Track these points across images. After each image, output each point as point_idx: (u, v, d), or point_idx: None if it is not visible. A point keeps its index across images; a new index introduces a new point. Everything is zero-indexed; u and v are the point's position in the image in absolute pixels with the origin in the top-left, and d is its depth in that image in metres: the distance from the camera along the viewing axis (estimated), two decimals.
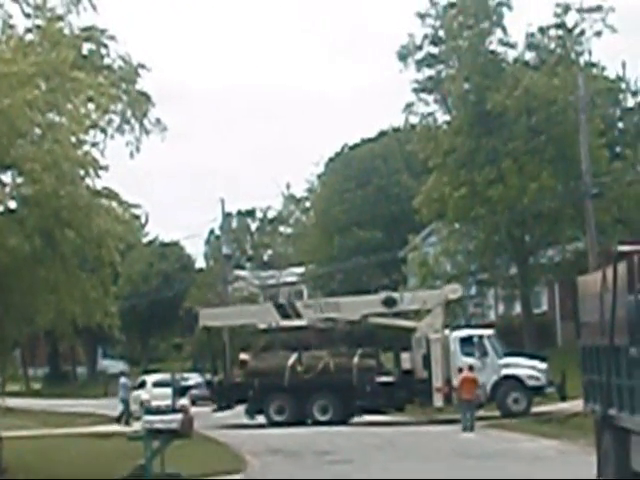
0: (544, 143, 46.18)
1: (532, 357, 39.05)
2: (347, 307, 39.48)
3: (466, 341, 37.65)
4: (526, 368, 36.95)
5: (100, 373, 76.02)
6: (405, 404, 38.22)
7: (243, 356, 42.36)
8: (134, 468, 21.96)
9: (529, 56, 49.22)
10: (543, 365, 37.71)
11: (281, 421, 38.01)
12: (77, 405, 56.54)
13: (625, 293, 15.76)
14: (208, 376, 43.11)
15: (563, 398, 36.71)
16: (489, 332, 39.25)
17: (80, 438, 35.45)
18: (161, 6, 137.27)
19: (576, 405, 34.29)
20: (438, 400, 37.08)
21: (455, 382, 35.43)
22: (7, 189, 22.88)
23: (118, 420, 42.90)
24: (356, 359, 38.35)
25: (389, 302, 38.34)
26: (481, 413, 36.69)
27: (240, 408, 39.48)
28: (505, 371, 36.98)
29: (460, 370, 34.84)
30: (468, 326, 39.30)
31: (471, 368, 35.02)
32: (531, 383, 36.62)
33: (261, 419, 38.89)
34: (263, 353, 43.80)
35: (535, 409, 36.69)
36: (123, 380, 44.61)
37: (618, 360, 16.37)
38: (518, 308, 51.86)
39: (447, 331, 38.30)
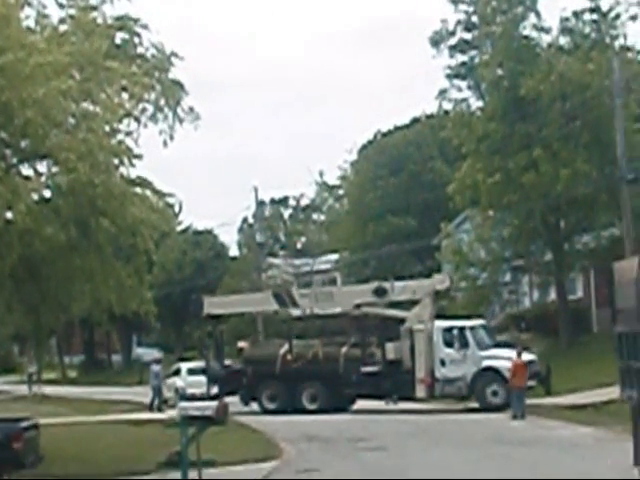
0: (579, 128, 45.83)
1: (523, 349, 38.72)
2: (340, 296, 40.00)
3: (448, 332, 37.35)
4: (507, 360, 36.06)
5: (135, 361, 76.41)
6: (391, 394, 37.96)
7: (241, 344, 43.10)
8: (170, 454, 22.07)
9: (563, 41, 48.82)
10: (530, 357, 37.18)
11: (273, 409, 38.57)
12: (112, 393, 56.94)
13: None
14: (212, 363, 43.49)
15: (548, 392, 36.53)
16: (474, 323, 38.57)
17: (116, 425, 35.67)
18: None
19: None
20: (421, 391, 37.15)
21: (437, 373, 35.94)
22: (42, 178, 23.05)
23: (150, 407, 43.23)
24: (344, 349, 38.73)
25: (380, 292, 38.48)
26: (462, 405, 36.67)
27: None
28: (485, 363, 36.60)
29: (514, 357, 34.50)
30: (455, 317, 38.71)
31: (519, 354, 34.76)
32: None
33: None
34: (261, 341, 44.51)
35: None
36: (155, 368, 44.90)
37: None
38: (553, 295, 51.60)
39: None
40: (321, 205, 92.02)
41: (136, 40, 24.33)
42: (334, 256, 71.54)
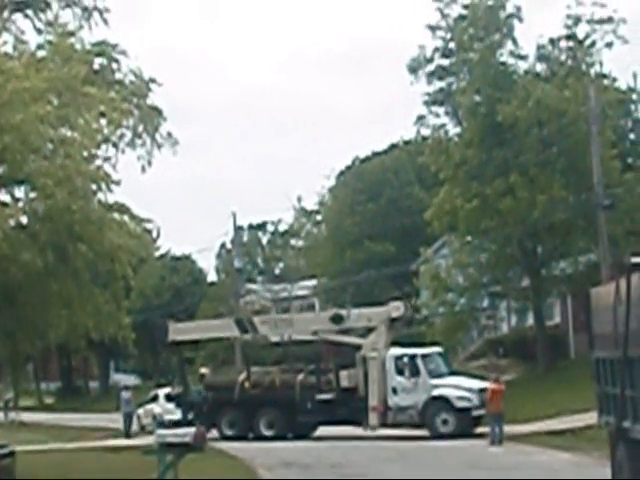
0: (555, 155, 46.10)
1: (476, 377, 38.87)
2: (299, 323, 40.45)
3: (400, 360, 37.41)
4: (457, 389, 36.29)
5: (112, 387, 75.92)
6: (346, 422, 38.05)
7: (203, 370, 43.38)
8: None
9: (540, 68, 49.15)
10: (485, 385, 36.95)
11: (231, 435, 38.57)
12: (89, 419, 56.57)
13: (638, 304, 15.73)
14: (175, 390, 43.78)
15: None
16: (428, 351, 38.52)
17: (93, 452, 35.44)
18: (170, 21, 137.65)
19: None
20: (373, 419, 37.12)
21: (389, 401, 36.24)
22: (20, 204, 22.98)
23: (127, 435, 43.26)
24: (300, 376, 38.97)
25: (337, 319, 38.72)
26: (414, 433, 36.65)
27: None
28: (435, 392, 36.61)
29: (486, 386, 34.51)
30: (411, 344, 38.74)
31: (497, 380, 34.82)
32: (459, 404, 36.01)
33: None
34: (223, 367, 44.78)
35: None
36: (125, 395, 45.17)
37: (632, 372, 16.32)
38: (531, 320, 51.71)
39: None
40: (299, 231, 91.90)
41: (114, 66, 24.40)
42: (312, 282, 71.51)
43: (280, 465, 29.34)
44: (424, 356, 37.63)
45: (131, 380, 73.57)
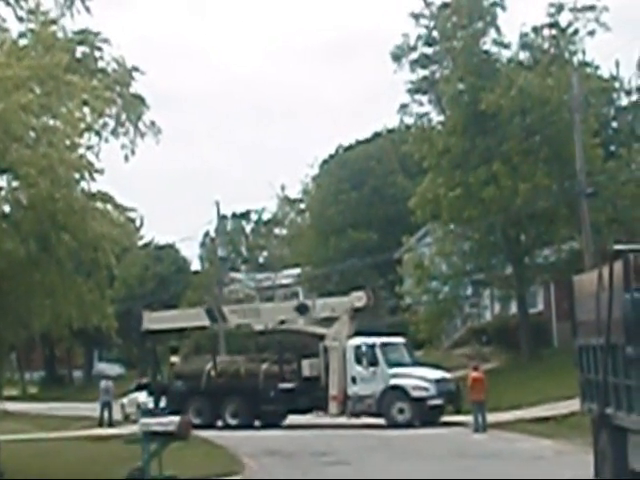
0: (538, 143, 46.20)
1: (438, 367, 39.13)
2: (266, 313, 40.80)
3: (359, 349, 37.63)
4: (415, 379, 36.60)
5: (96, 376, 75.77)
6: (308, 410, 38.58)
7: (173, 359, 43.63)
8: (131, 471, 21.96)
9: (523, 56, 49.24)
10: (445, 375, 37.78)
11: (198, 424, 38.27)
12: (74, 408, 56.44)
13: (621, 292, 15.80)
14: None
15: (457, 411, 36.80)
16: (388, 340, 38.61)
17: (77, 441, 35.43)
18: (153, 9, 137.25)
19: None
20: (333, 408, 37.56)
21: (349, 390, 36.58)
22: (2, 193, 22.90)
23: (109, 424, 43.41)
24: (264, 365, 39.34)
25: (302, 309, 39.17)
26: (371, 421, 36.90)
27: None
28: (392, 381, 36.85)
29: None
30: (372, 334, 38.92)
31: (476, 368, 35.02)
32: (416, 394, 36.23)
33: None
34: (193, 356, 45.16)
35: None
36: (104, 384, 45.36)
37: (615, 359, 16.40)
38: (514, 308, 51.86)
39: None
40: (283, 219, 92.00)
41: (97, 54, 24.27)
42: (296, 270, 71.52)
43: (264, 453, 29.40)
44: (383, 345, 37.85)
45: (115, 369, 73.51)
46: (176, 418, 22.77)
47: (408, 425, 35.51)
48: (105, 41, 24.13)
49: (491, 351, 51.51)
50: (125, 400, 47.09)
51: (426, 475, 23.03)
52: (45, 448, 32.79)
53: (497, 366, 47.74)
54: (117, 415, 45.61)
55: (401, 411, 36.42)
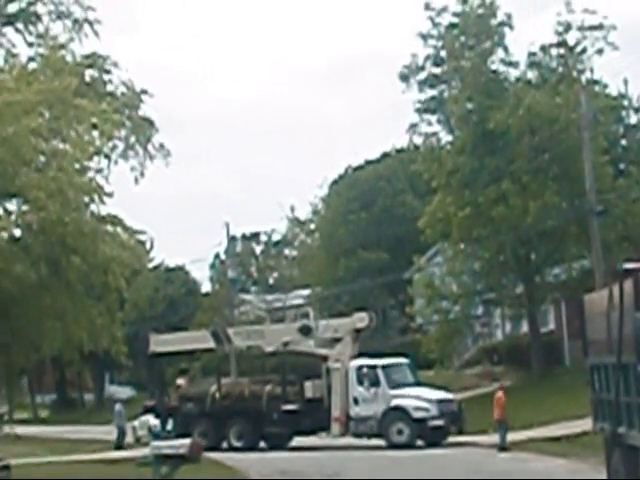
0: (547, 161, 46.15)
1: (440, 388, 39.06)
2: (270, 334, 40.68)
3: (361, 370, 37.63)
4: (416, 399, 36.54)
5: (107, 399, 75.79)
6: (312, 432, 38.63)
7: (179, 381, 43.73)
8: None
9: (531, 75, 49.22)
10: (447, 396, 37.69)
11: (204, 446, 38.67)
12: (85, 432, 56.46)
13: (632, 310, 15.74)
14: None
15: (460, 432, 36.71)
16: (391, 361, 38.63)
17: (89, 465, 35.35)
18: (160, 33, 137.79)
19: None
20: (335, 429, 37.65)
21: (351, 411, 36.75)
22: (12, 217, 22.96)
23: (120, 447, 43.42)
24: (268, 387, 39.40)
25: (304, 330, 39.14)
26: (372, 442, 36.83)
27: None
28: (394, 402, 36.78)
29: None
30: (372, 355, 38.88)
31: (502, 388, 34.85)
32: (417, 415, 36.12)
33: None
34: (199, 378, 45.22)
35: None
36: (118, 407, 45.43)
37: (626, 378, 16.33)
38: (525, 327, 51.71)
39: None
40: (292, 240, 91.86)
41: (106, 78, 24.41)
42: (306, 291, 71.45)
43: (276, 474, 29.32)
44: (385, 367, 37.86)
45: (126, 392, 73.45)
46: (187, 441, 22.76)
47: (408, 446, 35.41)
48: (114, 65, 24.29)
49: (502, 370, 51.30)
50: (136, 423, 47.06)
51: None
52: (56, 471, 32.72)
53: (509, 385, 47.48)
54: (129, 438, 45.59)
55: (401, 432, 36.35)
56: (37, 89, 21.93)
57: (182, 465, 21.96)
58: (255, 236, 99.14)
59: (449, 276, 49.42)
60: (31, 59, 23.91)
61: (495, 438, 33.64)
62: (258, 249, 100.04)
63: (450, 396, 38.38)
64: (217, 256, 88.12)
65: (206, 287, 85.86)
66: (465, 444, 35.30)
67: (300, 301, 70.69)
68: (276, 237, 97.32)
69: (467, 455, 32.50)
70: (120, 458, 36.62)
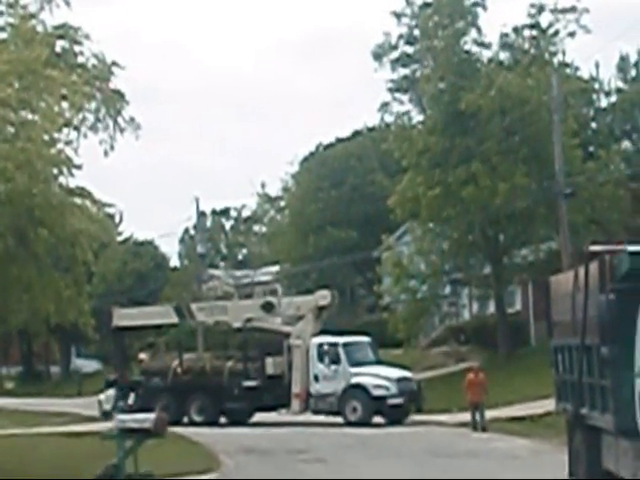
0: (518, 143, 46.28)
1: (403, 367, 39.32)
2: (232, 310, 40.76)
3: (322, 348, 37.91)
4: (375, 377, 36.86)
5: (74, 372, 75.67)
6: (272, 408, 38.83)
7: (142, 355, 43.89)
8: (106, 468, 21.87)
9: (503, 56, 49.32)
10: (406, 375, 37.95)
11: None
12: (51, 404, 56.32)
13: (596, 293, 15.87)
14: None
15: (419, 410, 37.04)
16: (351, 339, 38.80)
17: (53, 437, 35.30)
18: (131, 3, 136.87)
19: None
20: (296, 406, 37.94)
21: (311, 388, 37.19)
22: None
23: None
24: (229, 363, 39.65)
25: (267, 307, 39.39)
26: (331, 420, 37.05)
27: None
28: (354, 379, 37.06)
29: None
30: (336, 333, 39.07)
31: (471, 370, 35.00)
32: (376, 392, 36.44)
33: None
34: (161, 353, 45.56)
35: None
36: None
37: (589, 359, 16.48)
38: (492, 308, 52.00)
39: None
40: (262, 217, 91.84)
41: (77, 49, 24.18)
42: (275, 268, 71.48)
43: (240, 451, 29.38)
44: (346, 345, 38.04)
45: (92, 365, 73.33)
46: (152, 415, 22.71)
47: (363, 424, 35.58)
48: (85, 36, 24.05)
49: (469, 350, 51.62)
50: (102, 397, 46.94)
51: (400, 475, 23.07)
52: (21, 444, 32.66)
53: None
54: (95, 411, 45.51)
55: (354, 409, 36.63)
56: (7, 59, 21.73)
57: (147, 439, 21.95)
58: (225, 212, 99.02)
59: (417, 255, 49.55)
60: (1, 29, 23.68)
61: (459, 417, 33.86)
62: (228, 225, 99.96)
63: (409, 374, 38.63)
64: (186, 231, 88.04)
65: (175, 262, 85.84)
66: (428, 422, 35.49)
67: (269, 277, 70.67)
68: (246, 213, 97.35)
69: (429, 434, 32.69)
70: (85, 431, 36.57)
